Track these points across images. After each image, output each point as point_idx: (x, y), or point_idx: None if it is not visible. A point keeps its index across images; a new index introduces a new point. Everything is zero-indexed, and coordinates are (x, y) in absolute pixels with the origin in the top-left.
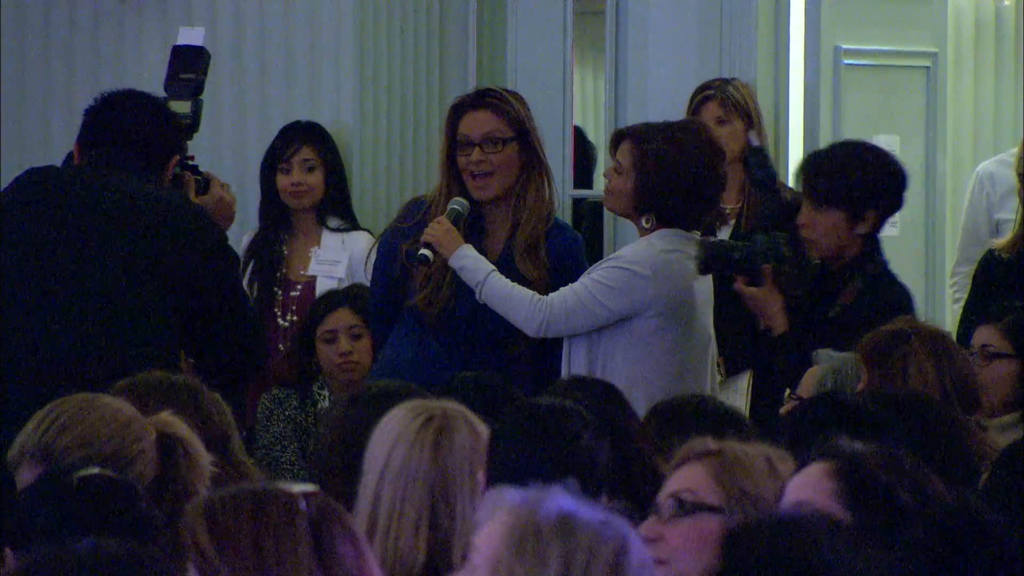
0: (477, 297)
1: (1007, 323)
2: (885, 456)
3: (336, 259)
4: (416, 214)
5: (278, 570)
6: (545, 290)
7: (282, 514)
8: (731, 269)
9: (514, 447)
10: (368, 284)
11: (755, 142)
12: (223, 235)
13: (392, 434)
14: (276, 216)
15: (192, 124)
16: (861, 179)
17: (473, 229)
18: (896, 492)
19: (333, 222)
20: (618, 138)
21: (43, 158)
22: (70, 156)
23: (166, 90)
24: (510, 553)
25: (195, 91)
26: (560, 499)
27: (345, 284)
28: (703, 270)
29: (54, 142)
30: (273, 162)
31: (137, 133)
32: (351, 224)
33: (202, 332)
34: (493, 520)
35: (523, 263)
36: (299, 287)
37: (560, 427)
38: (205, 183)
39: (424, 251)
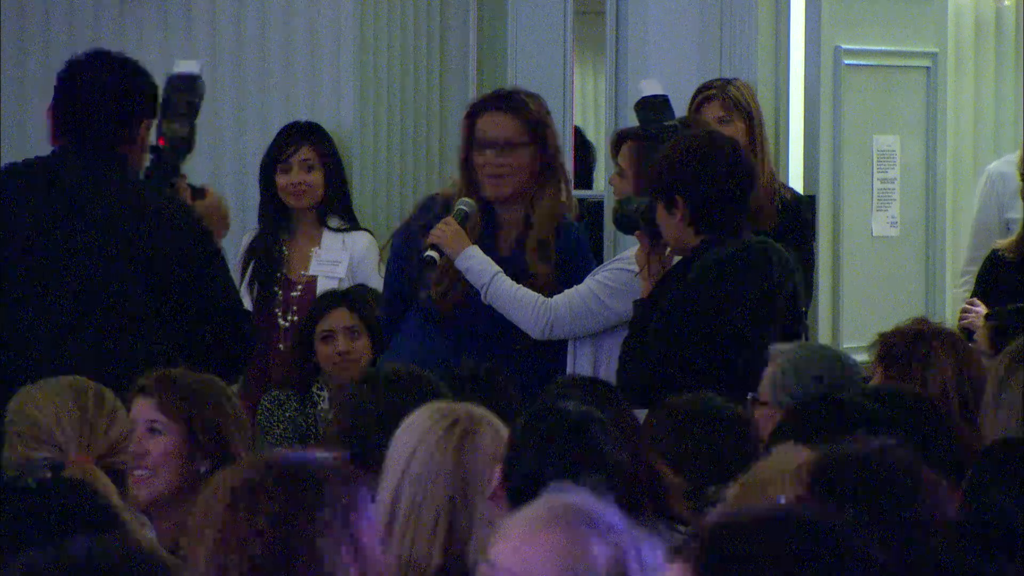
0: (483, 298)
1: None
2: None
3: (337, 259)
4: (431, 211)
5: (302, 539)
6: (552, 287)
7: (309, 488)
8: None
9: (533, 450)
10: (368, 284)
11: (648, 91)
12: (207, 231)
13: (416, 434)
14: (276, 216)
15: (188, 144)
16: (661, 166)
17: (485, 226)
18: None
19: (334, 222)
20: (619, 141)
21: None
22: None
23: (162, 109)
24: None
25: (191, 112)
26: (627, 530)
27: (346, 284)
28: (617, 226)
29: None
30: (273, 162)
31: (105, 97)
32: (352, 224)
33: (187, 328)
34: (533, 543)
35: (533, 263)
36: (300, 287)
37: (580, 431)
38: (201, 189)
39: (430, 252)
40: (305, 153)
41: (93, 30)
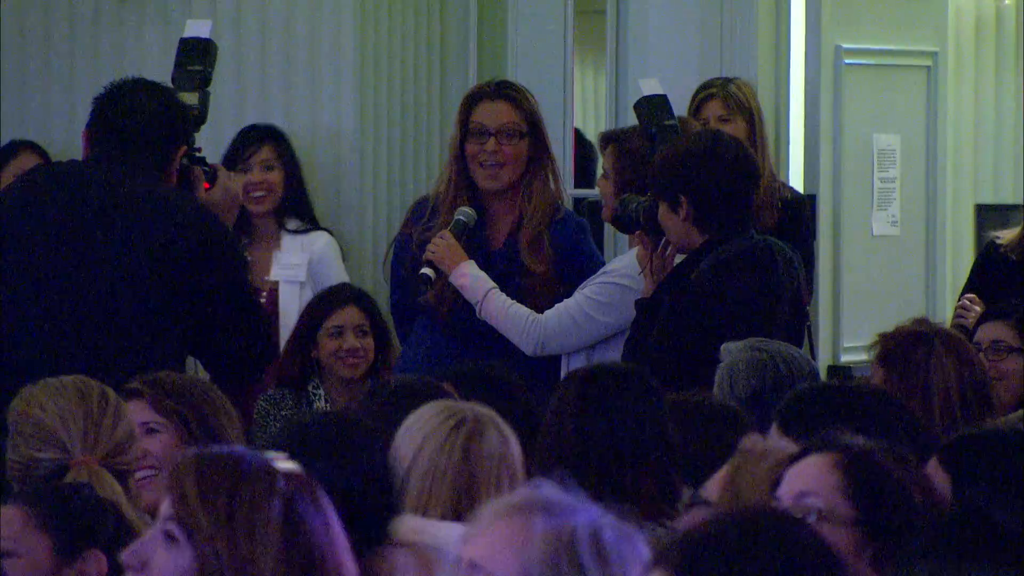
0: (477, 314)
1: (1019, 319)
2: (890, 451)
3: (297, 262)
4: (423, 215)
5: (247, 539)
6: (551, 282)
7: (260, 488)
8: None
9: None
10: (330, 283)
11: (647, 90)
12: (230, 236)
13: (420, 433)
14: (237, 221)
15: (200, 115)
16: (665, 166)
17: (477, 219)
18: (907, 489)
19: (292, 224)
20: (604, 142)
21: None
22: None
23: (173, 82)
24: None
25: (202, 83)
26: (585, 511)
27: (307, 286)
28: (615, 226)
29: (54, 140)
30: (232, 164)
31: (145, 123)
32: (310, 224)
33: (210, 334)
34: (503, 533)
35: (528, 257)
36: (264, 294)
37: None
38: (212, 174)
39: (425, 270)
40: (265, 153)
41: (93, 30)
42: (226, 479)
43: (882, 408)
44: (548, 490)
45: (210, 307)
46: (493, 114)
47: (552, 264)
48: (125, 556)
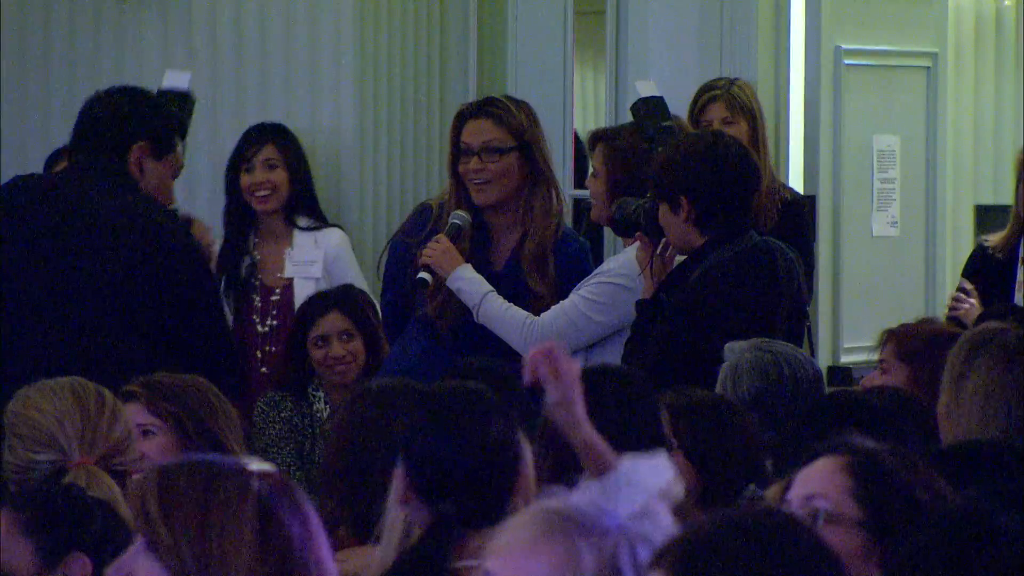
0: (474, 318)
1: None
2: (900, 454)
3: (311, 259)
4: (424, 221)
5: (220, 543)
6: (553, 302)
7: (234, 489)
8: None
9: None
10: (350, 283)
11: (644, 92)
12: (196, 247)
13: None
14: (241, 220)
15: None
16: (665, 167)
17: (478, 239)
18: (914, 491)
19: (303, 221)
20: (593, 142)
21: (44, 159)
22: (50, 158)
23: None
24: None
25: (180, 134)
26: (616, 525)
27: (323, 283)
28: (614, 229)
29: (54, 141)
30: (236, 164)
31: (99, 116)
32: (321, 222)
33: (175, 344)
34: (530, 557)
35: (531, 276)
36: (278, 291)
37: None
38: (186, 224)
39: (422, 274)
40: (268, 152)
41: (93, 31)
42: (196, 484)
43: (907, 410)
44: (573, 504)
45: (173, 317)
46: (476, 133)
47: (555, 284)
48: (110, 572)
